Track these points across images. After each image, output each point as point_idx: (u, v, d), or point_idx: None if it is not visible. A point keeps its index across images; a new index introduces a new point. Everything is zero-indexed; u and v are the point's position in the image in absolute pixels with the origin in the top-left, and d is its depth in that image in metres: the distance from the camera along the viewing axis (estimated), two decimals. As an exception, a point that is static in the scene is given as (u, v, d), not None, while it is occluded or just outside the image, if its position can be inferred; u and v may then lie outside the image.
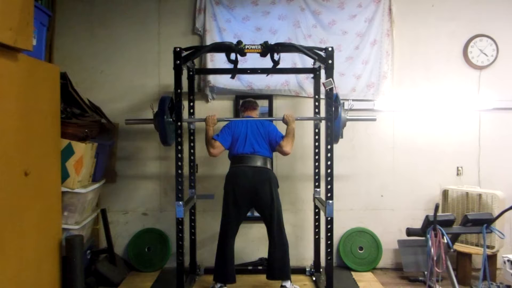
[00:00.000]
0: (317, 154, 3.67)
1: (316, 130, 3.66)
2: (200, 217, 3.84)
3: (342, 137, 3.89)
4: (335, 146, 3.10)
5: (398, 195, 4.01)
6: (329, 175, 3.02)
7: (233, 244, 3.25)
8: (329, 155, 3.04)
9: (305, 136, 3.91)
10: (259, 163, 3.27)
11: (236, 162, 3.32)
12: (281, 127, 3.43)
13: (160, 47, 3.98)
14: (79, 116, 3.31)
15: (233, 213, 3.23)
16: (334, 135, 3.10)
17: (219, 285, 3.22)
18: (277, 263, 3.19)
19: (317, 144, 3.67)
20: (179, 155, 3.04)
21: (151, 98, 3.98)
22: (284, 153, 3.31)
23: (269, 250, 3.24)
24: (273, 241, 3.20)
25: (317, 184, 3.68)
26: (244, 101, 3.59)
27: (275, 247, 3.19)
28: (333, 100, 3.02)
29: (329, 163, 3.04)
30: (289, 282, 3.19)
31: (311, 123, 3.73)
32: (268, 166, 3.34)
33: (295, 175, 3.98)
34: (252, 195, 3.20)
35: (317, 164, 3.67)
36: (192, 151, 3.71)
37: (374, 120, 3.50)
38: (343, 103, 3.36)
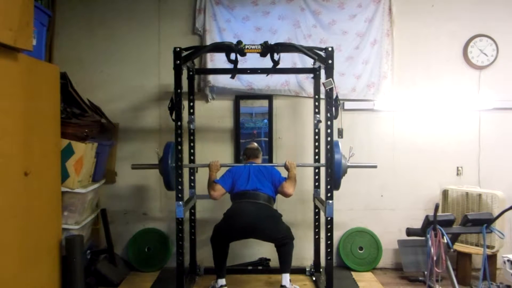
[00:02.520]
0: (317, 154, 3.67)
1: (316, 130, 3.66)
2: (200, 217, 3.84)
3: (342, 137, 3.92)
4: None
5: (398, 195, 4.01)
6: (329, 175, 3.02)
7: (227, 247, 3.23)
8: (329, 155, 3.04)
9: (306, 135, 3.91)
10: (261, 200, 3.23)
11: (238, 198, 3.27)
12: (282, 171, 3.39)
13: (160, 47, 3.98)
14: (79, 116, 3.31)
15: (226, 240, 3.18)
16: (334, 183, 3.06)
17: (219, 284, 3.21)
18: (280, 256, 3.19)
19: (317, 144, 3.67)
20: (179, 155, 3.04)
21: (151, 98, 3.99)
22: (287, 195, 3.30)
23: (276, 247, 3.22)
24: (278, 245, 3.20)
25: (317, 184, 3.68)
26: (246, 149, 3.59)
27: (280, 245, 3.18)
28: (333, 100, 3.02)
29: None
30: (288, 278, 3.18)
31: (310, 121, 3.73)
32: (271, 205, 3.30)
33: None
34: (253, 231, 3.14)
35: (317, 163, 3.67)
36: (192, 151, 3.71)
37: (375, 167, 3.42)
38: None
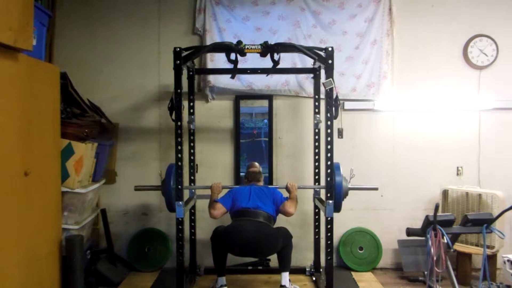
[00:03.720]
0: (317, 154, 3.67)
1: (316, 130, 3.66)
2: (200, 217, 3.84)
3: (342, 137, 3.92)
4: (335, 145, 3.09)
5: (398, 195, 4.01)
6: (329, 175, 3.02)
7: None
8: (329, 155, 3.04)
9: (306, 135, 3.91)
10: (262, 218, 3.20)
11: (238, 215, 3.24)
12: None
13: (160, 47, 3.98)
14: (79, 116, 3.31)
15: (222, 254, 3.18)
16: (335, 205, 3.04)
17: (219, 284, 3.21)
18: (279, 255, 3.19)
19: (317, 144, 3.67)
20: (179, 155, 3.04)
21: (151, 98, 3.99)
22: (288, 213, 3.28)
23: None
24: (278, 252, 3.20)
25: (317, 184, 3.68)
26: (248, 172, 3.57)
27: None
28: (333, 100, 3.02)
29: (329, 163, 3.04)
30: (287, 278, 3.18)
31: (310, 121, 3.73)
32: (271, 224, 3.27)
33: (295, 175, 3.97)
34: (252, 251, 3.15)
35: (317, 164, 3.67)
36: (192, 151, 3.71)
37: (376, 189, 3.40)
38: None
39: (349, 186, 3.22)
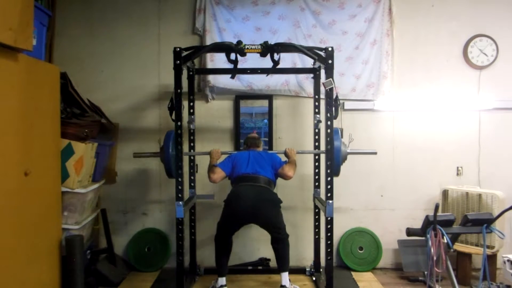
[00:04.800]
0: (317, 154, 3.66)
1: (316, 130, 3.66)
2: (200, 217, 3.84)
3: (342, 137, 3.91)
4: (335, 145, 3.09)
5: (398, 195, 4.01)
6: (329, 175, 3.02)
7: (231, 243, 3.24)
8: (329, 147, 3.04)
9: (305, 135, 3.91)
10: (262, 183, 3.24)
11: (238, 181, 3.29)
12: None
13: (160, 47, 3.98)
14: (79, 116, 3.31)
15: (229, 230, 3.21)
16: (334, 169, 3.06)
17: (219, 284, 3.21)
18: (275, 254, 3.20)
19: (317, 144, 3.67)
20: (179, 155, 3.04)
21: (151, 98, 3.99)
22: (287, 177, 3.31)
23: (272, 245, 3.23)
24: (274, 238, 3.20)
25: (317, 184, 3.68)
26: (247, 138, 3.60)
27: (275, 242, 3.19)
28: (333, 100, 3.02)
29: (329, 163, 3.03)
30: (287, 277, 3.19)
31: (310, 121, 3.73)
32: (271, 188, 3.32)
33: (295, 175, 3.96)
34: (253, 216, 3.16)
35: (317, 164, 3.67)
36: (192, 151, 3.71)
37: (375, 154, 3.45)
38: (341, 131, 3.30)
39: (348, 150, 3.27)
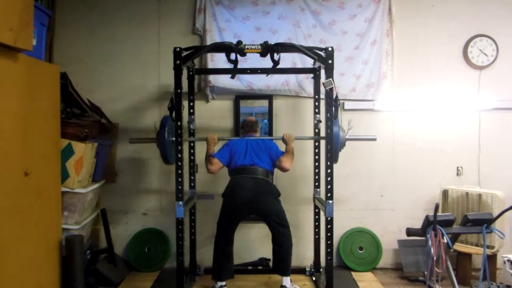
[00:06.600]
0: (317, 154, 3.67)
1: (316, 130, 3.66)
2: (200, 217, 3.84)
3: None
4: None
5: (398, 195, 4.01)
6: (329, 175, 3.02)
7: (231, 245, 3.25)
8: (329, 155, 3.04)
9: (306, 135, 3.91)
10: (259, 174, 3.24)
11: (236, 173, 3.29)
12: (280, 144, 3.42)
13: (160, 47, 3.98)
14: (79, 116, 3.31)
15: (229, 224, 3.22)
16: (333, 155, 3.06)
17: (219, 284, 3.21)
18: (276, 257, 3.21)
19: (317, 144, 3.67)
20: (179, 155, 3.04)
21: (151, 98, 3.99)
22: (284, 169, 3.30)
23: (272, 246, 3.24)
24: (275, 239, 3.20)
25: (317, 184, 3.68)
26: (244, 123, 3.58)
27: (277, 244, 3.20)
28: (333, 100, 3.02)
29: (328, 163, 3.04)
30: (288, 279, 3.19)
31: (310, 121, 3.73)
32: (269, 179, 3.32)
33: (295, 175, 3.98)
34: (252, 207, 3.17)
35: (317, 164, 3.67)
36: (192, 151, 3.71)
37: (374, 140, 3.44)
38: (341, 114, 3.29)
39: (347, 136, 3.26)
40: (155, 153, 3.96)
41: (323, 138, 3.26)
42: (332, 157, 3.04)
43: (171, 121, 3.17)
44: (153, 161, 3.98)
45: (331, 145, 3.04)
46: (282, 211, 3.26)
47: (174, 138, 3.12)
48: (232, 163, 3.32)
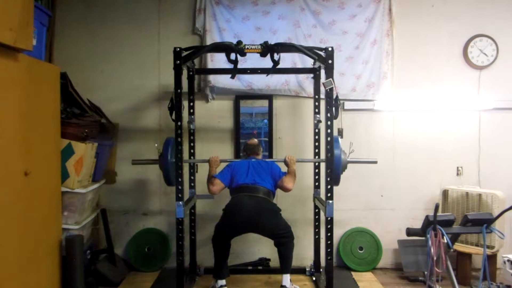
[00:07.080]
0: (317, 154, 3.67)
1: (316, 130, 3.66)
2: (200, 217, 3.84)
3: (342, 137, 3.91)
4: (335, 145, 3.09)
5: (398, 195, 4.01)
6: (329, 175, 3.02)
7: (228, 246, 3.23)
8: (329, 155, 3.04)
9: (306, 135, 3.91)
10: (261, 193, 3.22)
11: (237, 191, 3.26)
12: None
13: (160, 47, 3.98)
14: (79, 116, 3.31)
15: (227, 237, 3.18)
16: (334, 177, 3.04)
17: (219, 284, 3.21)
18: (279, 256, 3.19)
19: (317, 144, 3.67)
20: (179, 155, 3.04)
21: (151, 98, 3.99)
22: (286, 189, 3.29)
23: (275, 245, 3.22)
24: (277, 242, 3.20)
25: (317, 184, 3.68)
26: (246, 146, 3.56)
27: (278, 245, 3.19)
28: (333, 100, 3.02)
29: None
30: (288, 278, 3.19)
31: (310, 121, 3.73)
32: (270, 199, 3.29)
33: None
34: (253, 225, 3.13)
35: (317, 164, 3.67)
36: (192, 151, 3.71)
37: (375, 163, 3.43)
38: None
39: (348, 159, 3.24)
40: (155, 152, 3.98)
41: (323, 160, 3.25)
42: (332, 181, 3.02)
43: (173, 143, 3.14)
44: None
45: (332, 168, 3.02)
46: (285, 223, 3.23)
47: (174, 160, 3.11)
48: (234, 182, 3.30)
